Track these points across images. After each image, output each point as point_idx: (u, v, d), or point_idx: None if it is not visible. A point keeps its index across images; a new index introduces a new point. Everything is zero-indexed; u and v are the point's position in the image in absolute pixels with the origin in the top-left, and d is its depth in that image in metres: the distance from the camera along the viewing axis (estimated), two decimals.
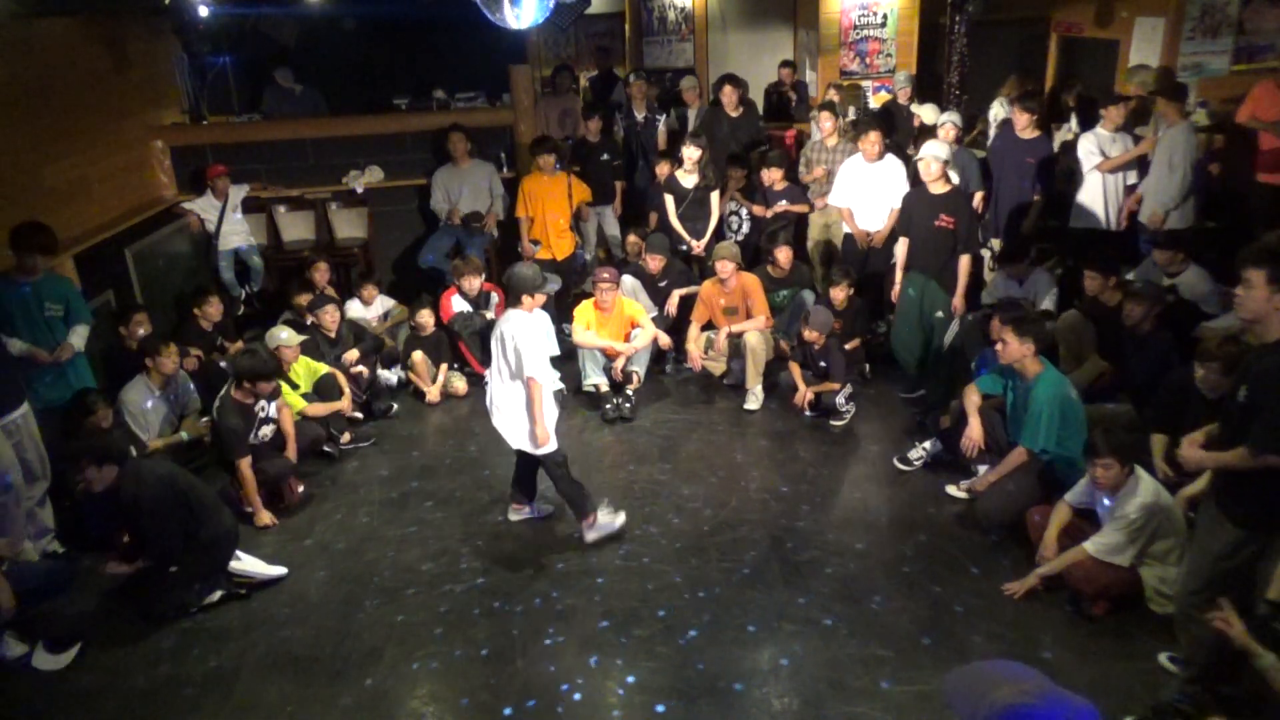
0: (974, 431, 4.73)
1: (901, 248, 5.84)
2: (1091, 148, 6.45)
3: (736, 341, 6.17)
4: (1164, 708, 3.32)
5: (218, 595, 4.29)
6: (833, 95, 8.62)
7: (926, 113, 7.84)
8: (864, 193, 6.52)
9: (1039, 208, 6.70)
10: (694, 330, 6.29)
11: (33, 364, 4.80)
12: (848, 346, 6.10)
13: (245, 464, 4.82)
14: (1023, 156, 6.60)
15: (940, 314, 5.70)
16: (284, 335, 5.64)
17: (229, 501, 4.76)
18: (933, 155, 5.51)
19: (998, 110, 8.20)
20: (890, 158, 6.54)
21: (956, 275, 5.58)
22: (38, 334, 4.84)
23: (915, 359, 5.95)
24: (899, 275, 5.88)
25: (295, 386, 5.67)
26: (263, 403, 5.00)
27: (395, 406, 6.27)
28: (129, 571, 4.22)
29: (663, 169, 7.34)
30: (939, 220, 5.53)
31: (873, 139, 6.40)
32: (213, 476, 5.37)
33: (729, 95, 7.83)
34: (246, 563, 4.42)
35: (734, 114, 7.87)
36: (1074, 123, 7.73)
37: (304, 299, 6.47)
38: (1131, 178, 6.41)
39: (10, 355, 4.69)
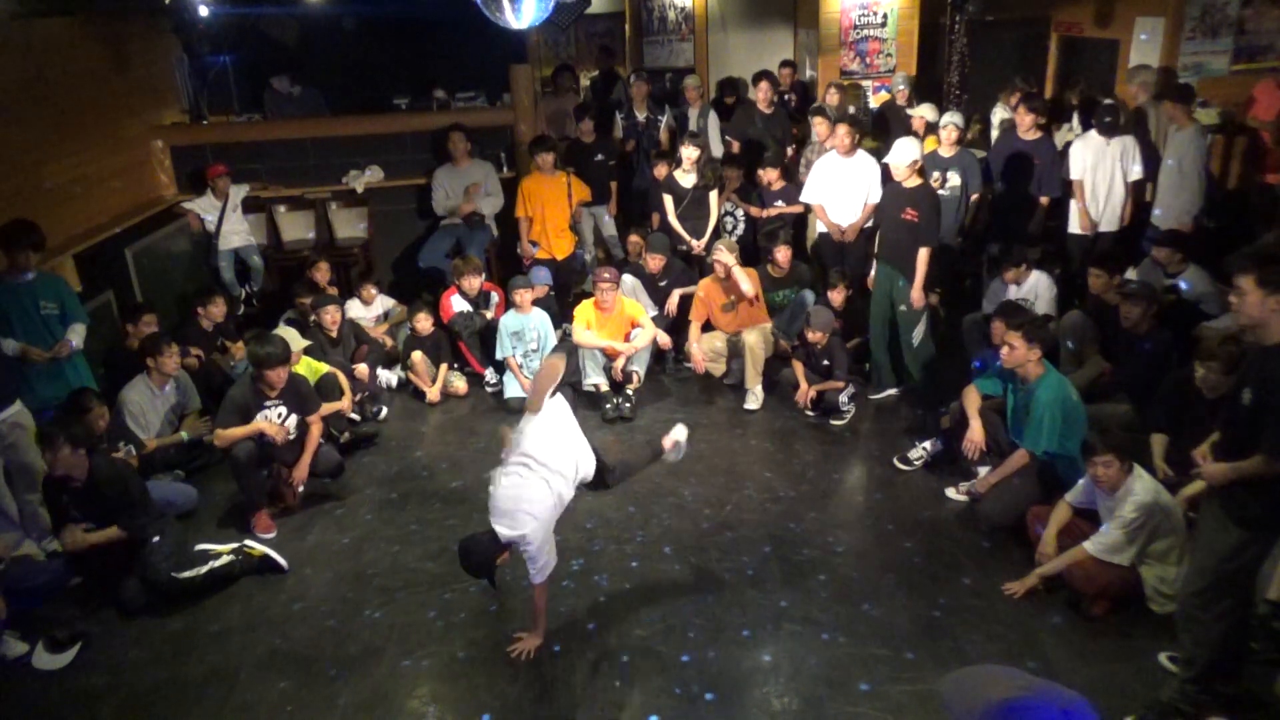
0: (975, 434, 4.73)
1: (879, 239, 5.93)
2: (1079, 156, 6.43)
3: (736, 341, 6.18)
4: (1164, 708, 3.32)
5: (225, 559, 4.40)
6: (833, 95, 8.61)
7: (926, 111, 7.84)
8: (837, 187, 6.54)
9: (1044, 209, 6.69)
10: (695, 330, 6.29)
11: (30, 363, 4.80)
12: (848, 345, 6.11)
13: (219, 432, 4.83)
14: (1027, 159, 6.59)
15: (904, 307, 5.74)
16: (287, 338, 5.63)
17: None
18: (895, 162, 5.57)
19: (1000, 113, 8.19)
20: (862, 153, 6.57)
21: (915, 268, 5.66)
22: (33, 333, 4.83)
23: (882, 350, 6.01)
24: (874, 265, 5.98)
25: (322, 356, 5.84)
26: (281, 409, 4.95)
27: (385, 410, 6.25)
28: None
29: (660, 170, 7.34)
30: (905, 213, 5.60)
31: (842, 133, 6.43)
32: (214, 476, 5.40)
33: (765, 92, 7.82)
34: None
35: (767, 111, 7.87)
36: (1075, 123, 7.72)
37: (308, 300, 6.47)
38: (1134, 174, 6.38)
39: (3, 355, 4.69)
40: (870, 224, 6.59)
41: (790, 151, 8.01)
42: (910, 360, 5.91)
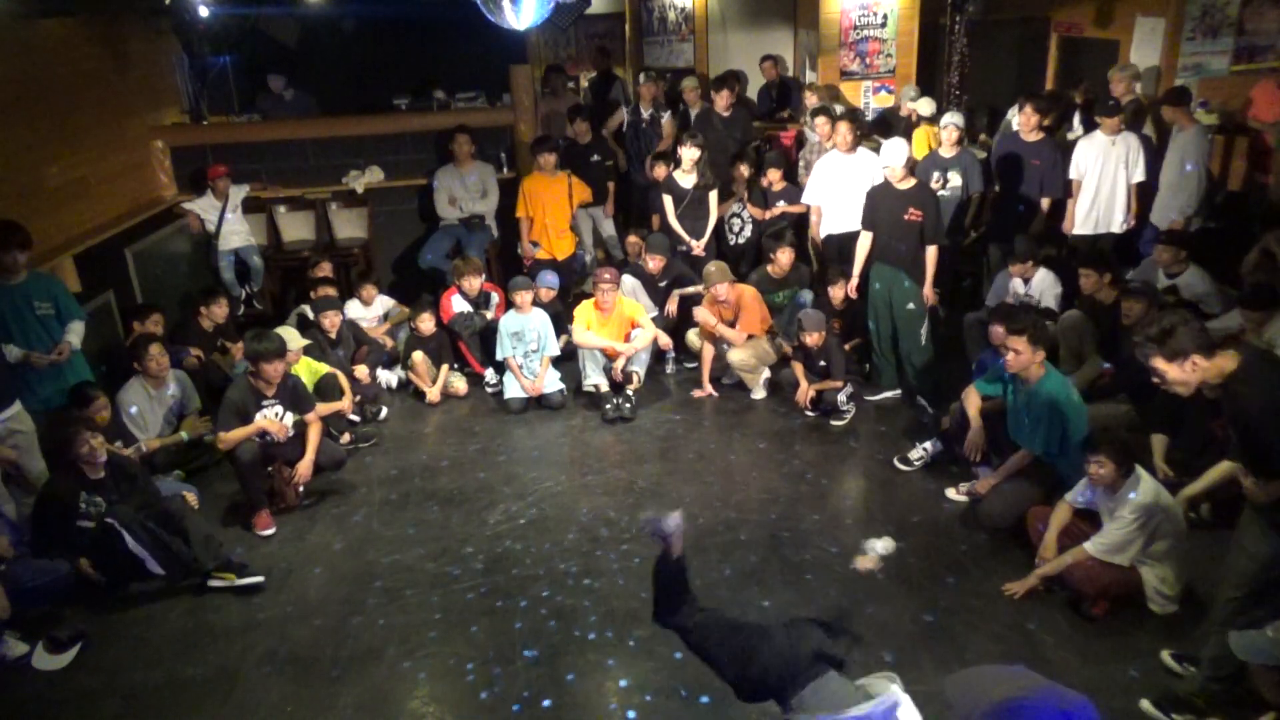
0: (976, 435, 4.73)
1: (864, 242, 5.90)
2: (1082, 156, 6.42)
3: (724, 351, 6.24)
4: (1180, 700, 3.32)
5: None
6: (809, 97, 8.54)
7: (922, 106, 7.83)
8: (840, 186, 6.54)
9: (1047, 210, 6.69)
10: (706, 357, 6.25)
11: (31, 368, 4.78)
12: (846, 346, 6.11)
13: (220, 435, 4.82)
14: (1028, 160, 6.58)
15: (911, 306, 5.77)
16: (286, 337, 5.63)
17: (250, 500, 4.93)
18: (892, 163, 5.60)
19: (1012, 118, 8.14)
20: (864, 150, 6.57)
21: (925, 267, 5.71)
22: (31, 334, 4.80)
23: (889, 355, 6.03)
24: (857, 269, 5.97)
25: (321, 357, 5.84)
26: (278, 408, 4.96)
27: (385, 411, 6.26)
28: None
29: (659, 171, 7.34)
30: (908, 214, 5.61)
31: (843, 130, 6.44)
32: (215, 476, 5.40)
33: (725, 98, 7.84)
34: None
35: (725, 114, 7.88)
36: (1076, 123, 7.71)
37: (323, 291, 6.42)
38: (1137, 176, 6.39)
39: (3, 359, 4.67)
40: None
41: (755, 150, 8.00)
42: (912, 362, 5.92)
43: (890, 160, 5.62)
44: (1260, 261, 5.58)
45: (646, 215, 7.60)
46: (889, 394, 6.08)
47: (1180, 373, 2.96)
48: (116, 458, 4.46)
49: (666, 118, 8.30)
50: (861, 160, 6.49)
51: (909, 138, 7.83)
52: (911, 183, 5.69)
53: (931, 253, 5.68)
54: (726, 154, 7.64)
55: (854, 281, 6.03)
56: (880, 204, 5.79)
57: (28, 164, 5.86)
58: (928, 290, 5.75)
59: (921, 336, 5.85)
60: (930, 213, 5.62)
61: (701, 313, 6.15)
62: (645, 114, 8.29)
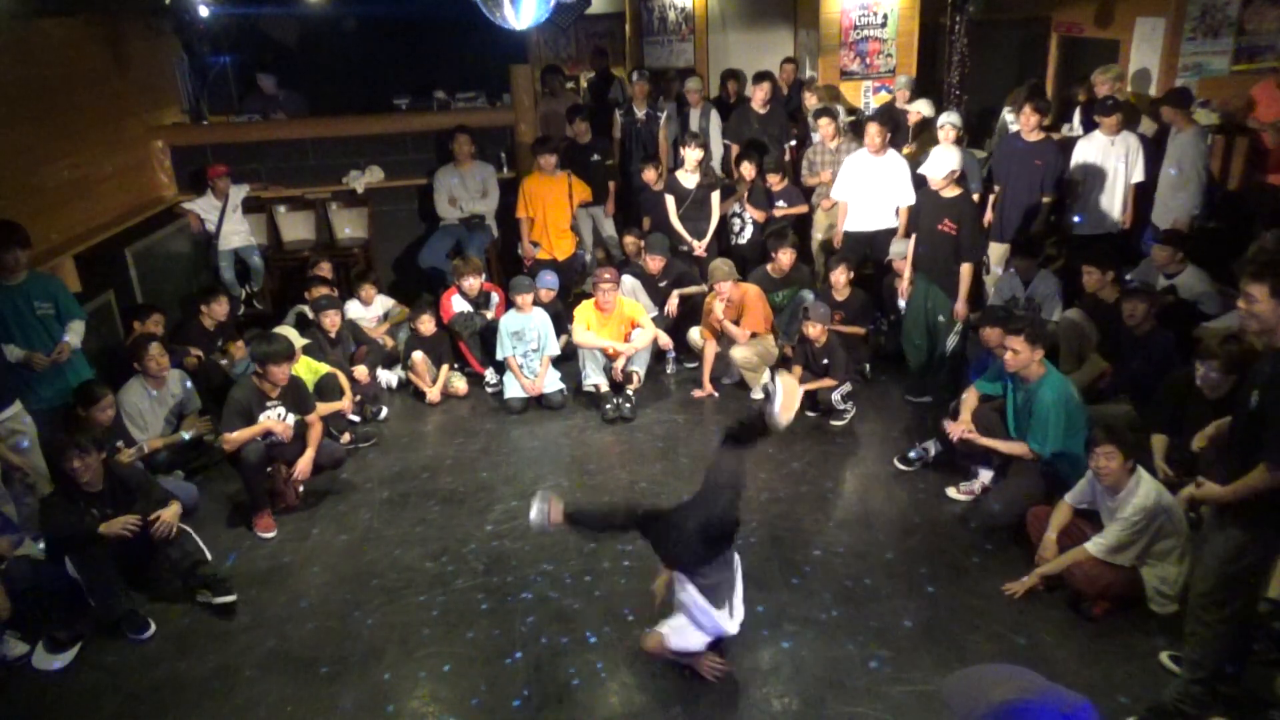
0: (954, 427, 4.73)
1: (911, 246, 5.88)
2: (1082, 155, 6.43)
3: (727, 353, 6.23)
4: (1166, 708, 3.31)
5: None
6: (810, 98, 8.54)
7: (922, 107, 7.83)
8: (866, 187, 6.53)
9: (1048, 210, 6.69)
10: (707, 357, 6.24)
11: (31, 368, 4.78)
12: (851, 330, 6.11)
13: (225, 436, 4.79)
14: (1030, 159, 6.57)
15: (942, 318, 5.73)
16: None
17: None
18: (933, 173, 5.54)
19: (1006, 117, 8.17)
20: (893, 152, 6.59)
21: (958, 281, 5.64)
22: (31, 335, 4.79)
23: (922, 360, 5.99)
24: (907, 273, 5.88)
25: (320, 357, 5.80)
26: (280, 409, 4.95)
27: (385, 410, 6.26)
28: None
29: (649, 175, 7.33)
30: (941, 225, 5.56)
31: (873, 131, 6.43)
32: (215, 476, 5.40)
33: (764, 91, 7.80)
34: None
35: (762, 111, 7.87)
36: (1076, 122, 7.72)
37: (318, 291, 6.42)
38: (1136, 176, 6.39)
39: (4, 359, 4.67)
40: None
41: (790, 149, 7.97)
42: (938, 368, 5.90)
43: (930, 170, 5.55)
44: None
45: (642, 216, 7.58)
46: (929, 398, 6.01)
47: (1273, 308, 2.96)
48: (118, 469, 4.37)
49: (663, 120, 8.28)
50: (889, 162, 6.50)
51: (908, 133, 7.86)
52: (955, 193, 5.57)
53: (965, 270, 5.59)
54: (766, 154, 7.58)
55: (905, 286, 5.93)
56: (921, 208, 5.77)
57: (28, 164, 5.86)
58: (959, 306, 5.67)
59: (948, 346, 5.81)
60: (966, 226, 5.52)
61: (710, 302, 6.13)
62: (640, 114, 8.26)
